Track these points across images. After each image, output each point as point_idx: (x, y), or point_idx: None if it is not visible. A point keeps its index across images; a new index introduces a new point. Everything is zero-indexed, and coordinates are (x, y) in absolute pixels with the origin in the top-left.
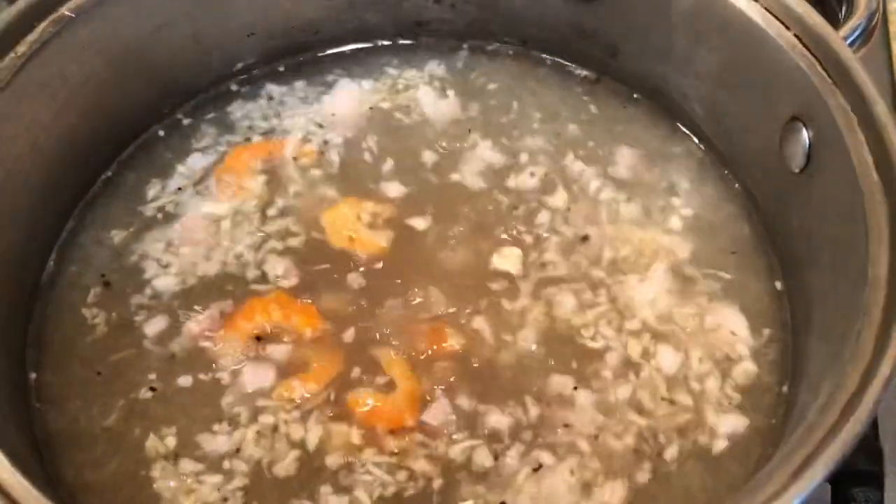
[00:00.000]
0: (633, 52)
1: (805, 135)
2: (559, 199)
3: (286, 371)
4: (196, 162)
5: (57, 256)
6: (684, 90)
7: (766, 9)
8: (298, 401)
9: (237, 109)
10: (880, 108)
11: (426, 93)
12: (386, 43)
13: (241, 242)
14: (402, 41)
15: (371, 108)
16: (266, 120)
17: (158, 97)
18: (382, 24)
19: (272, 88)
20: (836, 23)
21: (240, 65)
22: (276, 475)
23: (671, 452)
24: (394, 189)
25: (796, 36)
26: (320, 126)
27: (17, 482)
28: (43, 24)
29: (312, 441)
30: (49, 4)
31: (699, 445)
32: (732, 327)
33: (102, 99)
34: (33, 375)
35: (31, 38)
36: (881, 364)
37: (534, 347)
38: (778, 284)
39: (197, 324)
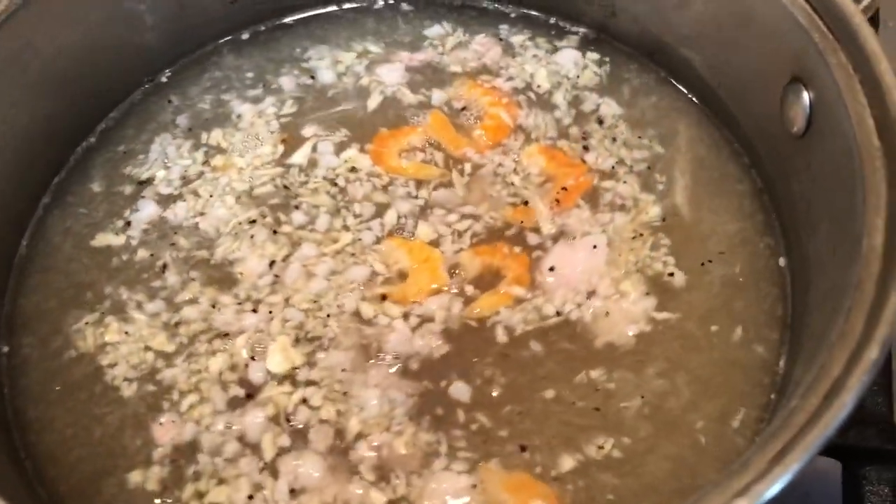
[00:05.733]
0: (632, 12)
1: (806, 96)
2: None
3: None
4: None
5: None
6: (684, 51)
7: None
8: None
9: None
10: (884, 66)
11: None
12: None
13: None
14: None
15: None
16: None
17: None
18: None
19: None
20: None
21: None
22: None
23: None
24: None
25: None
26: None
27: None
28: None
29: None
30: None
31: None
32: None
33: (80, 69)
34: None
35: None
36: (869, 346)
37: None
38: (781, 261)
39: None
